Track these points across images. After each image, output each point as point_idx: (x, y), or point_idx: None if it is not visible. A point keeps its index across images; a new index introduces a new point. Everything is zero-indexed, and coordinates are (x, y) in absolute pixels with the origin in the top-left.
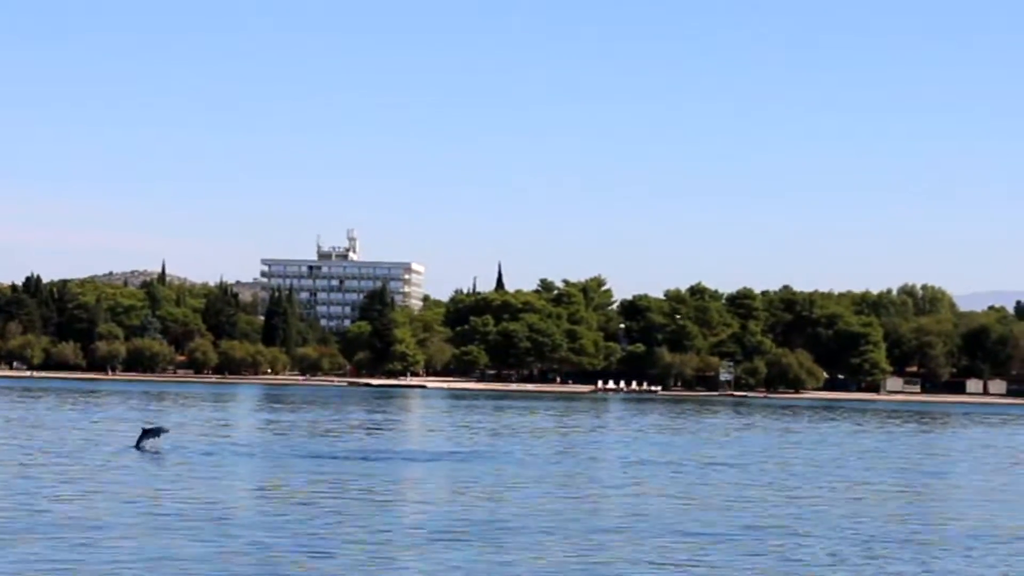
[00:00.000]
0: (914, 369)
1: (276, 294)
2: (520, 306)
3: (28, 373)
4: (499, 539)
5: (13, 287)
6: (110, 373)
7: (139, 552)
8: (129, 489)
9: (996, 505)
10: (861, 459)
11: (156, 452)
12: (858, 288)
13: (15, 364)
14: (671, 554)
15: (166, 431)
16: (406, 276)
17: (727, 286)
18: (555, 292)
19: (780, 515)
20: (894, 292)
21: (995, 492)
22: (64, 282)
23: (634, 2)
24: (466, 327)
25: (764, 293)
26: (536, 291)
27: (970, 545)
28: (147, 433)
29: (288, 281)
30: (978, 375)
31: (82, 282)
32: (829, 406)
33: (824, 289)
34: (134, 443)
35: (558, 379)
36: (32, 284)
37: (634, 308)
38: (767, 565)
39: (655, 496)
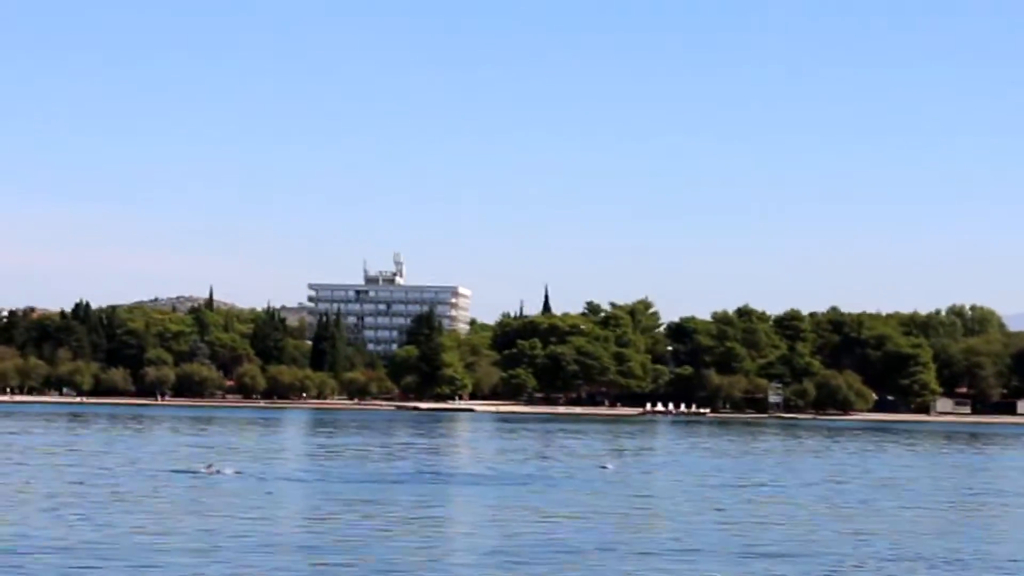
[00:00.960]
0: (964, 390)
1: (323, 319)
2: (567, 329)
3: (78, 399)
4: (555, 559)
5: (62, 314)
6: (159, 398)
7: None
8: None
9: None
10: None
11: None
12: (906, 309)
13: (65, 390)
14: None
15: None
16: (453, 300)
17: (774, 308)
18: (602, 315)
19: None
20: (943, 313)
21: None
22: (113, 308)
23: (684, 24)
24: (514, 350)
25: (812, 314)
26: (583, 314)
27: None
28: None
29: (335, 306)
30: None
31: (130, 308)
32: (879, 428)
33: (872, 310)
34: None
35: (606, 402)
36: (81, 311)
37: (681, 330)
38: None
39: (702, 516)
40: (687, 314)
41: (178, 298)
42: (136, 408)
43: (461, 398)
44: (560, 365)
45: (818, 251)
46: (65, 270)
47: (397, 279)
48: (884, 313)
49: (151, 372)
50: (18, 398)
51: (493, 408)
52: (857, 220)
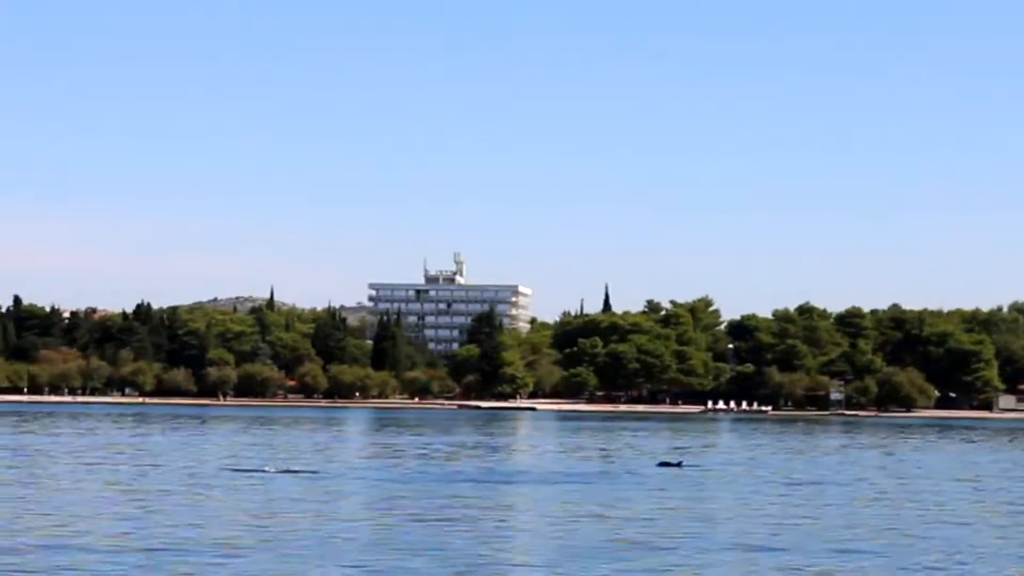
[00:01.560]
0: None
1: (384, 318)
2: (628, 327)
3: (140, 399)
4: (619, 557)
5: (124, 315)
6: (221, 398)
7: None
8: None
9: None
10: None
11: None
12: (968, 306)
13: (127, 390)
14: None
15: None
16: (513, 299)
17: (836, 305)
18: (663, 313)
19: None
20: (1005, 309)
21: None
22: (174, 309)
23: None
24: (574, 349)
25: (873, 312)
26: (644, 312)
27: None
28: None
29: (396, 305)
30: None
31: (191, 308)
32: (942, 425)
33: (934, 307)
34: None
35: (667, 400)
36: (143, 312)
37: (742, 328)
38: None
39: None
40: (748, 312)
41: (237, 298)
42: (198, 408)
43: (522, 397)
44: (621, 363)
45: (879, 248)
46: (125, 272)
47: (457, 278)
48: (946, 310)
49: (213, 372)
50: (81, 399)
51: (554, 407)
52: (918, 216)
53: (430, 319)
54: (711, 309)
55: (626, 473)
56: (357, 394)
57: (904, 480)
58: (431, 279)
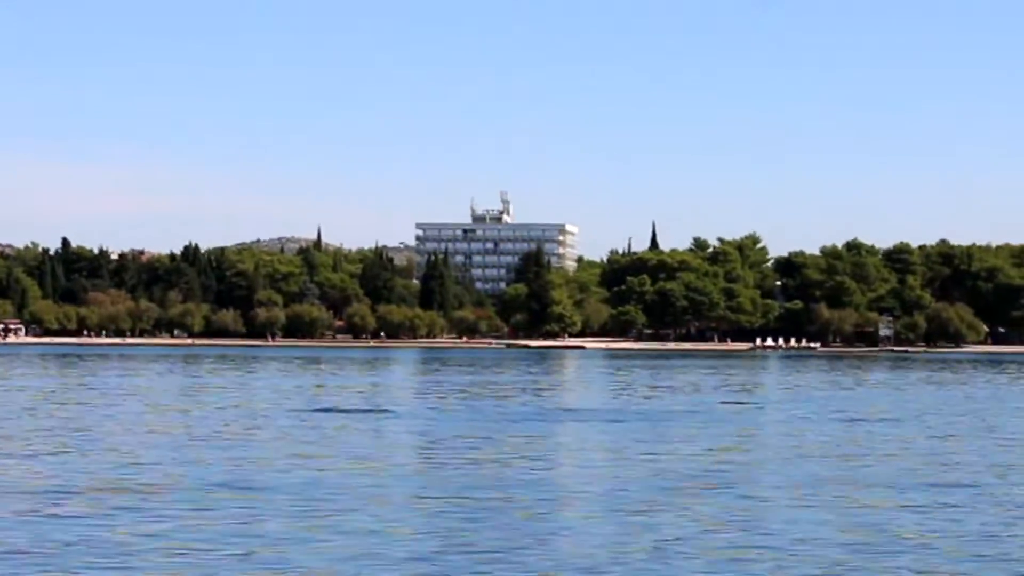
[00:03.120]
0: None
1: (431, 258)
2: (676, 265)
3: (189, 341)
4: (672, 493)
5: (172, 256)
6: (270, 339)
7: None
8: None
9: None
10: None
11: None
12: (1017, 240)
13: (176, 332)
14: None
15: None
16: (560, 237)
17: (883, 241)
18: (710, 250)
19: None
20: None
21: None
22: (222, 250)
23: None
24: (622, 287)
25: (921, 247)
26: (691, 250)
27: None
28: None
29: (443, 245)
30: None
31: (239, 250)
32: (992, 360)
33: (982, 242)
34: None
35: (716, 337)
36: (191, 253)
37: (790, 265)
38: None
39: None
40: (795, 248)
41: (280, 239)
42: (248, 349)
43: (570, 335)
44: (669, 301)
45: (927, 183)
46: (170, 213)
47: (504, 217)
48: (994, 245)
49: (261, 313)
50: (130, 340)
51: (603, 345)
52: (966, 150)
53: (477, 259)
54: (759, 246)
55: (675, 410)
56: (407, 334)
57: (979, 414)
58: (478, 218)
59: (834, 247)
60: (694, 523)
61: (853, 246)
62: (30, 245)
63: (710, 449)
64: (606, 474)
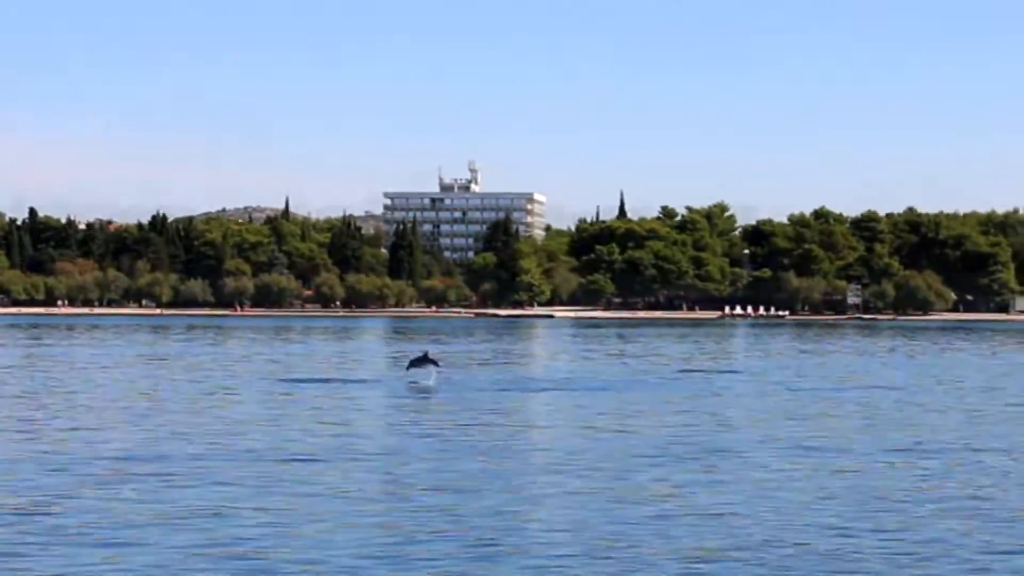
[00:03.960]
0: None
1: (400, 227)
2: (644, 234)
3: (157, 311)
4: (638, 462)
5: (140, 226)
6: (238, 309)
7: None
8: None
9: None
10: None
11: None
12: (984, 208)
13: (144, 302)
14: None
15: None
16: (528, 206)
17: (851, 209)
18: (678, 219)
19: None
20: (1021, 211)
21: None
22: (190, 219)
23: None
24: (591, 256)
25: (889, 215)
26: (659, 218)
27: None
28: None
29: (411, 214)
30: None
31: (207, 219)
32: (960, 328)
33: (949, 210)
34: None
35: (684, 306)
36: (159, 223)
37: (759, 233)
38: None
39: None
40: (764, 217)
41: (246, 208)
42: (216, 319)
43: (539, 304)
44: (638, 270)
45: (894, 152)
46: (136, 183)
47: (472, 187)
48: (962, 213)
49: (230, 283)
50: (98, 310)
51: (572, 314)
52: (932, 120)
53: (445, 228)
54: (727, 215)
55: (643, 379)
56: (374, 303)
57: (941, 381)
58: (446, 188)
59: (802, 215)
60: (670, 487)
61: (821, 215)
62: None
63: (682, 413)
64: (573, 445)
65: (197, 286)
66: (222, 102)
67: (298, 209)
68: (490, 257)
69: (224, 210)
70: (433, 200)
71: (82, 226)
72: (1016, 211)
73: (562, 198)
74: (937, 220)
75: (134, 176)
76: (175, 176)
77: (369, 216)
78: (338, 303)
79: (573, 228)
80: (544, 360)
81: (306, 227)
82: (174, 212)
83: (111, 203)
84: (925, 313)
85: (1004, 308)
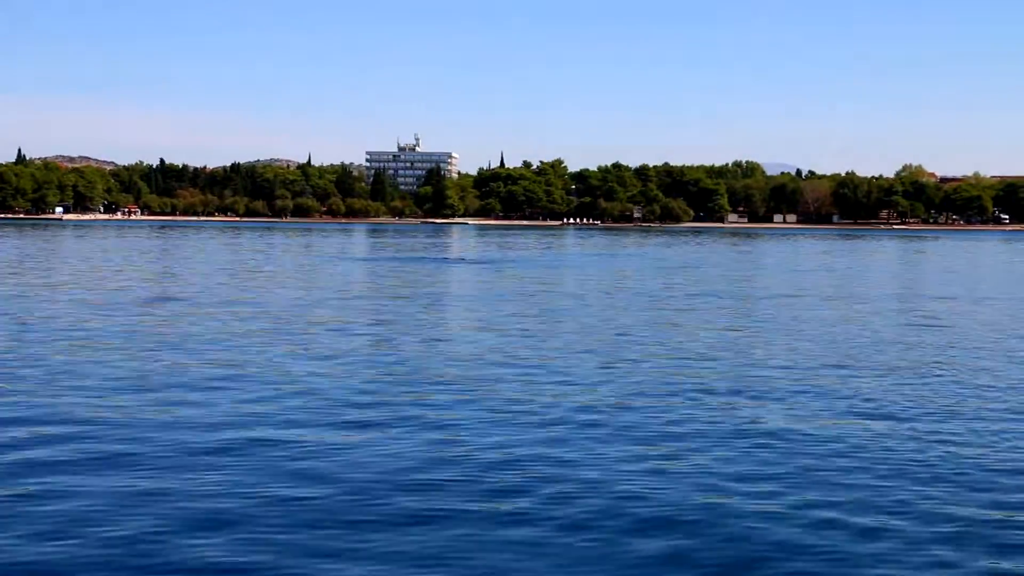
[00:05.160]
0: (742, 209)
1: (376, 171)
2: (517, 176)
3: (236, 219)
4: (517, 300)
5: (224, 169)
6: (284, 218)
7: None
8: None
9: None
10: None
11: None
12: (709, 162)
13: (228, 213)
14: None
15: None
16: (450, 160)
17: (633, 162)
18: (535, 167)
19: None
20: (730, 164)
21: (799, 275)
22: (252, 165)
23: None
24: (487, 188)
25: (655, 167)
26: (524, 166)
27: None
28: None
29: (382, 164)
30: (780, 212)
31: (263, 166)
32: (696, 231)
33: (690, 163)
34: None
35: (539, 218)
36: (235, 168)
37: (582, 176)
38: None
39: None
40: (584, 166)
41: (270, 160)
42: (271, 224)
43: (457, 216)
44: (514, 197)
45: (661, 121)
46: (215, 145)
47: (417, 148)
48: (697, 164)
49: (279, 203)
50: (202, 218)
51: (476, 222)
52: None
53: (402, 172)
54: (563, 165)
55: (516, 258)
56: (362, 215)
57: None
58: (402, 148)
59: (605, 166)
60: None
61: (617, 166)
62: (139, 163)
63: (525, 279)
64: (467, 291)
65: (259, 204)
66: (254, 81)
67: (315, 161)
68: (428, 189)
69: (257, 161)
70: (394, 155)
71: (190, 169)
72: (726, 164)
73: (469, 155)
74: (683, 170)
75: (211, 140)
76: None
77: (357, 165)
78: (342, 215)
79: (476, 173)
80: (459, 247)
81: (322, 171)
82: (225, 160)
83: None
84: (677, 222)
85: (721, 219)
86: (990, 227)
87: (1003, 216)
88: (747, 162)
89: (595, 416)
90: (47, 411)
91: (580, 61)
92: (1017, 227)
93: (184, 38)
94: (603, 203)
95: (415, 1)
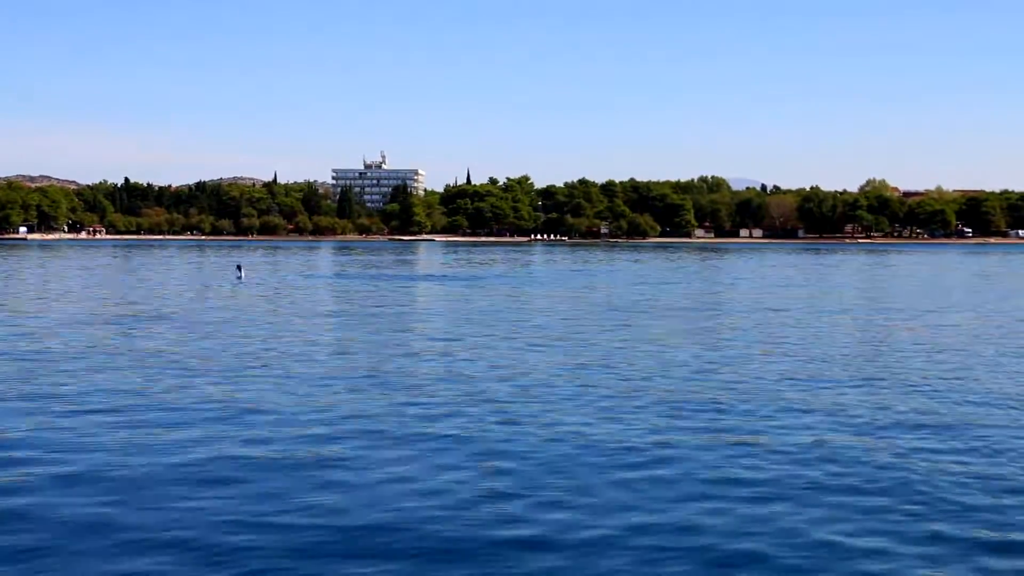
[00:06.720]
0: (708, 224)
1: (342, 189)
2: (484, 193)
3: (202, 237)
4: (490, 320)
5: (190, 188)
6: (251, 236)
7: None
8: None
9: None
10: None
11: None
12: (675, 178)
13: (193, 232)
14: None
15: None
16: (416, 177)
17: (600, 178)
18: (501, 184)
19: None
20: (695, 180)
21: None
22: (218, 183)
23: None
24: (454, 205)
25: (622, 183)
26: (491, 182)
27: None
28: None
29: (348, 181)
30: (746, 227)
31: (228, 184)
32: (664, 246)
33: (656, 179)
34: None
35: (507, 235)
36: (200, 186)
37: (549, 193)
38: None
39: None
40: (551, 183)
41: (235, 179)
42: (236, 242)
43: (424, 233)
44: (481, 213)
45: (629, 137)
46: (174, 160)
47: (383, 165)
48: (663, 180)
49: (245, 221)
50: (168, 237)
51: (443, 239)
52: (635, 110)
53: (368, 189)
54: (529, 181)
55: (486, 275)
56: (329, 233)
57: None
58: (368, 165)
59: (572, 182)
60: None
61: (583, 182)
62: (103, 181)
63: (494, 294)
64: (436, 308)
65: (225, 223)
66: (230, 102)
67: (281, 178)
68: (395, 206)
69: (220, 179)
70: (360, 173)
71: (156, 187)
72: (692, 180)
73: (435, 172)
74: (649, 185)
75: (174, 155)
76: (195, 153)
77: (323, 183)
78: (308, 233)
79: (442, 190)
80: (426, 264)
81: (288, 189)
82: (191, 179)
83: (165, 171)
84: (644, 237)
85: (688, 235)
86: (954, 240)
87: (966, 229)
88: (713, 177)
89: (565, 432)
90: None
91: (545, 77)
92: (980, 240)
93: (146, 55)
94: (570, 219)
95: (378, 19)
